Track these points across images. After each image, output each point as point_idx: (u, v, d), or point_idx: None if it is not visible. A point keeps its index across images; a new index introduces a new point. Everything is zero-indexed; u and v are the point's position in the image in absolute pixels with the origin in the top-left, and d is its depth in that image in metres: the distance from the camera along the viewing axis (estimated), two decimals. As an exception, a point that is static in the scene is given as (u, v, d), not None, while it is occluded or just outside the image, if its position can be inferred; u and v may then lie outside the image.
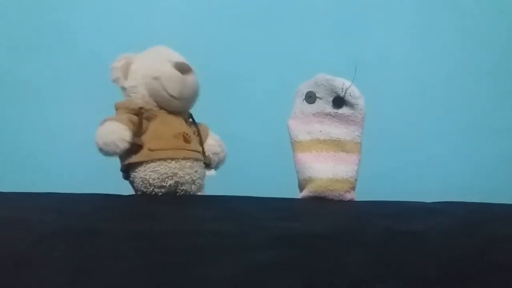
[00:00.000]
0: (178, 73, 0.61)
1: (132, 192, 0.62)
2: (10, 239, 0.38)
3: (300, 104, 0.62)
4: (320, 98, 0.61)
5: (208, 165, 0.65)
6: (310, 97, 0.61)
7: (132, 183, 0.61)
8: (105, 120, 0.59)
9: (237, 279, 0.34)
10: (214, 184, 0.66)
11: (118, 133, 0.57)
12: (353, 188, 0.59)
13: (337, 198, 0.58)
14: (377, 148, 0.75)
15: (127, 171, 0.61)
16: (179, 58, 0.63)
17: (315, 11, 1.05)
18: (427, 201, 0.58)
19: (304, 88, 0.62)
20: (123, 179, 0.62)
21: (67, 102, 1.00)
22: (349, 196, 0.58)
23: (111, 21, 1.02)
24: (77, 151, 0.98)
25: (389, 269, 0.36)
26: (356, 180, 0.59)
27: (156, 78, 0.61)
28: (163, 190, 0.60)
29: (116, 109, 0.62)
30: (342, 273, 0.35)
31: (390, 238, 0.41)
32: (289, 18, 1.05)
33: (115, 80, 0.62)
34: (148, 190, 0.59)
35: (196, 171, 0.62)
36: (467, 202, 0.58)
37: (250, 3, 1.04)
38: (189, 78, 0.62)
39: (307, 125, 0.61)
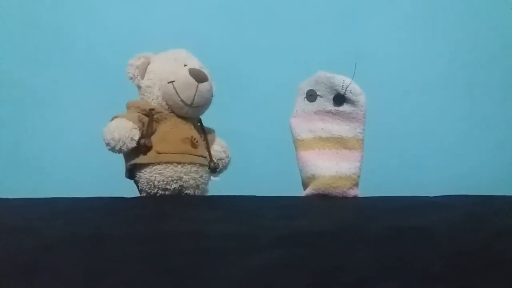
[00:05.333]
0: (193, 80, 0.61)
1: (136, 191, 0.63)
2: (19, 247, 0.39)
3: (302, 103, 0.62)
4: (321, 96, 0.61)
5: (213, 170, 0.65)
6: (311, 95, 0.61)
7: (136, 182, 0.62)
8: (115, 117, 0.60)
9: (244, 280, 0.35)
10: (217, 182, 0.67)
11: (128, 131, 0.58)
12: (357, 185, 0.59)
13: (341, 195, 0.58)
14: (379, 144, 0.75)
15: (132, 170, 0.61)
16: (197, 64, 0.64)
17: (316, 8, 1.05)
18: (430, 195, 0.58)
19: (305, 87, 0.62)
20: (125, 179, 0.63)
21: (69, 105, 1.00)
22: (352, 192, 0.59)
23: (110, 23, 1.02)
24: (80, 154, 0.98)
25: (394, 266, 0.37)
26: (359, 176, 0.59)
27: (170, 82, 0.61)
28: (167, 192, 0.60)
29: (127, 107, 0.63)
30: (349, 271, 0.36)
31: (395, 234, 0.41)
32: (290, 15, 1.04)
33: (131, 78, 0.63)
34: (153, 191, 0.60)
35: (201, 176, 0.62)
36: (470, 195, 0.58)
37: (252, 1, 1.04)
38: (204, 86, 0.62)
39: (309, 123, 0.61)
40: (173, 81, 0.61)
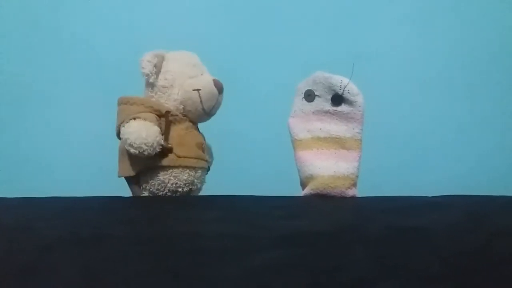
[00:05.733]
0: (216, 91, 0.62)
1: (128, 189, 0.63)
2: (18, 247, 0.39)
3: (300, 103, 0.62)
4: (319, 96, 0.61)
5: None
6: (309, 95, 0.61)
7: (135, 182, 0.62)
8: (134, 118, 0.58)
9: (243, 280, 0.35)
10: (216, 182, 0.67)
11: (158, 135, 0.57)
12: (355, 185, 0.59)
13: (339, 195, 0.58)
14: (378, 144, 0.75)
15: (140, 171, 0.60)
16: (207, 72, 0.65)
17: (314, 8, 1.05)
18: (428, 195, 0.58)
19: (303, 87, 0.62)
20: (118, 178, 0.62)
21: (68, 104, 1.01)
22: (351, 192, 0.59)
23: (111, 23, 1.02)
24: (80, 153, 0.98)
25: (393, 266, 0.36)
26: (357, 176, 0.59)
27: (196, 90, 0.61)
28: (174, 195, 0.61)
29: (130, 104, 0.60)
30: (348, 271, 0.36)
31: (393, 234, 0.41)
32: (288, 16, 1.05)
33: (147, 75, 0.61)
34: (161, 193, 0.60)
35: (204, 180, 0.64)
36: (469, 195, 0.58)
37: (250, 1, 1.04)
38: (221, 97, 0.64)
39: (307, 123, 0.61)
40: (199, 90, 0.61)
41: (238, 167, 0.70)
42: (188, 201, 0.59)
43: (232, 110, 0.65)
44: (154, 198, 0.60)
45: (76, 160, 0.99)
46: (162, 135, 0.59)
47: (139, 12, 1.04)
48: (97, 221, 0.46)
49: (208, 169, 0.67)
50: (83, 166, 0.98)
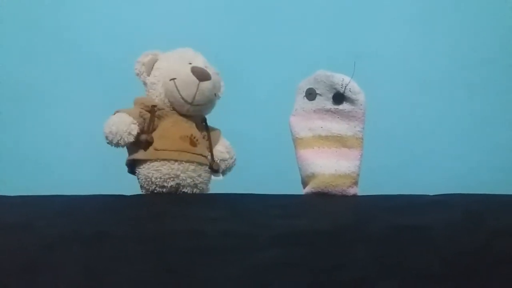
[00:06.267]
0: (194, 78, 0.61)
1: (138, 187, 0.63)
2: (20, 245, 0.39)
3: (301, 101, 0.62)
4: (320, 95, 0.61)
5: (216, 171, 0.65)
6: (311, 94, 0.61)
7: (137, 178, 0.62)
8: (116, 111, 0.61)
9: (243, 278, 0.35)
10: (217, 181, 0.67)
11: (127, 125, 0.59)
12: (356, 183, 0.59)
13: (340, 193, 0.58)
14: (379, 143, 0.75)
15: (131, 165, 0.62)
16: (202, 63, 0.64)
17: (316, 8, 1.05)
18: (429, 193, 0.58)
19: (304, 85, 0.62)
20: (128, 174, 0.63)
21: (69, 103, 1.01)
22: (352, 191, 0.59)
23: (112, 23, 1.02)
24: (81, 152, 0.98)
25: (393, 265, 0.37)
26: (358, 175, 0.59)
27: (172, 79, 0.62)
28: (164, 190, 0.60)
29: (134, 103, 0.63)
30: (348, 270, 0.36)
31: (394, 233, 0.41)
32: (290, 15, 1.05)
33: (137, 74, 0.65)
34: (150, 188, 0.60)
35: (199, 175, 0.62)
36: (469, 194, 0.58)
37: (251, 1, 1.04)
38: (205, 85, 0.62)
39: (309, 121, 0.61)
40: (175, 79, 0.61)
41: (239, 165, 0.69)
42: (189, 200, 0.59)
43: (233, 109, 0.65)
44: (155, 197, 0.60)
45: (76, 160, 0.99)
46: (140, 126, 0.59)
47: (140, 12, 1.04)
48: (98, 220, 0.46)
49: (210, 165, 0.66)
50: (83, 166, 0.98)
